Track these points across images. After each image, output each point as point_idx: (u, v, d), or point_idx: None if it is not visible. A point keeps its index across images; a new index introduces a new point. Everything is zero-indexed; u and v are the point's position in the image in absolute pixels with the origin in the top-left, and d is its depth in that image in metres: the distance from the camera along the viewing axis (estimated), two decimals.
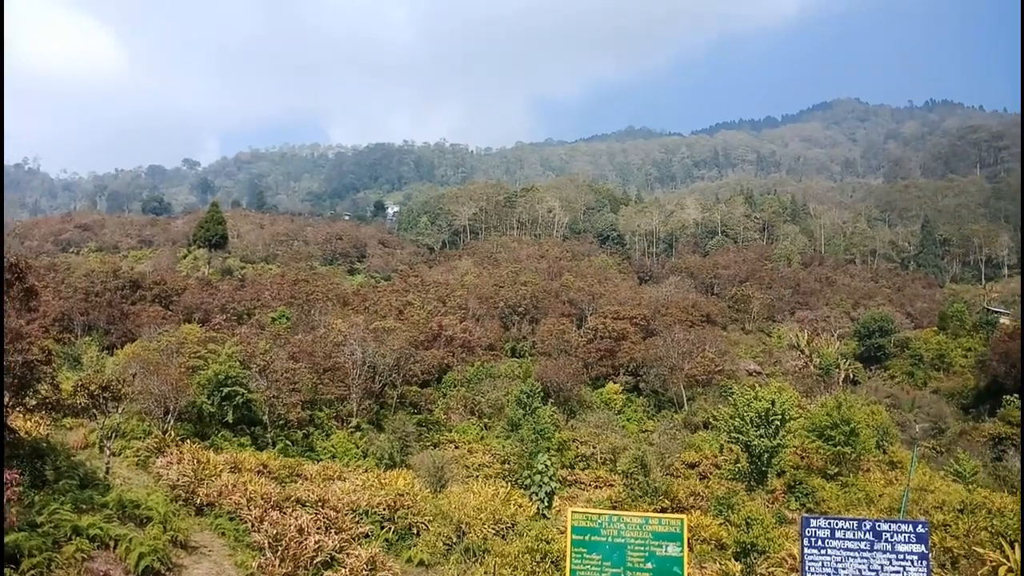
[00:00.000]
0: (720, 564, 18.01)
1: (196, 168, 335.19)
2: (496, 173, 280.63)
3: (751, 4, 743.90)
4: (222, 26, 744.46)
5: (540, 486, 26.65)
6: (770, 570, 17.72)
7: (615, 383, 62.25)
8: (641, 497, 28.89)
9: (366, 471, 30.83)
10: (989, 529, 17.73)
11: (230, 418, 34.75)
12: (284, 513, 19.89)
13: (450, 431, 48.80)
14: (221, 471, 24.48)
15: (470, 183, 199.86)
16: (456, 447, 44.00)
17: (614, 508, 28.61)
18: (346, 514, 21.03)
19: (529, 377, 56.04)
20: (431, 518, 21.95)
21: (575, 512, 10.30)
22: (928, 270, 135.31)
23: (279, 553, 17.34)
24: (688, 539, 23.14)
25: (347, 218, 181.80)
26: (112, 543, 15.82)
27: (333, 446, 38.13)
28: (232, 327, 57.37)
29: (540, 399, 47.95)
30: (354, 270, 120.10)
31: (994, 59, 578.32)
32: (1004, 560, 10.91)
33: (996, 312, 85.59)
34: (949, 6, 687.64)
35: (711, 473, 39.06)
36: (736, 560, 18.69)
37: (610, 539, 9.75)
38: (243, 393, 35.25)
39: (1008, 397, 53.68)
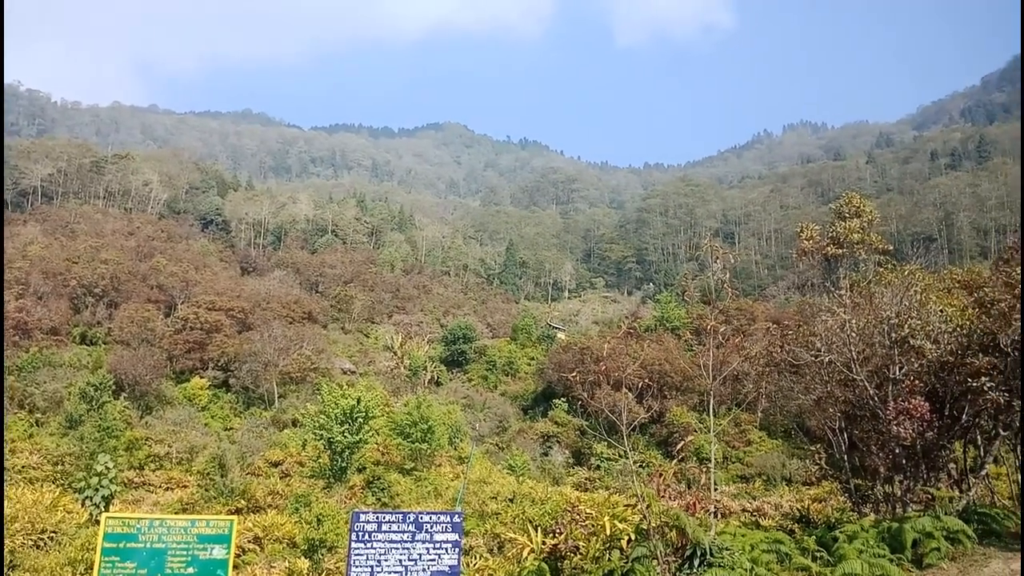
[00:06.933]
0: (289, 562, 17.98)
1: None
2: (85, 132, 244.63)
3: (384, 17, 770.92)
4: None
5: (97, 489, 23.87)
6: (337, 565, 18.24)
7: (202, 378, 58.76)
8: (216, 498, 27.55)
9: None
10: (522, 516, 20.61)
11: None
12: None
13: None
14: None
15: (49, 138, 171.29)
16: None
17: (184, 510, 26.85)
18: None
19: (100, 368, 50.18)
20: None
21: (109, 518, 9.42)
22: (508, 287, 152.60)
23: None
24: (260, 538, 22.78)
25: None
26: None
27: None
28: None
29: (111, 393, 43.13)
30: None
31: (576, 115, 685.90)
32: (529, 543, 12.81)
33: (555, 328, 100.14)
34: (553, 67, 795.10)
35: (294, 471, 38.96)
36: (305, 557, 18.85)
37: (149, 544, 9.09)
38: None
39: (557, 401, 63.03)
